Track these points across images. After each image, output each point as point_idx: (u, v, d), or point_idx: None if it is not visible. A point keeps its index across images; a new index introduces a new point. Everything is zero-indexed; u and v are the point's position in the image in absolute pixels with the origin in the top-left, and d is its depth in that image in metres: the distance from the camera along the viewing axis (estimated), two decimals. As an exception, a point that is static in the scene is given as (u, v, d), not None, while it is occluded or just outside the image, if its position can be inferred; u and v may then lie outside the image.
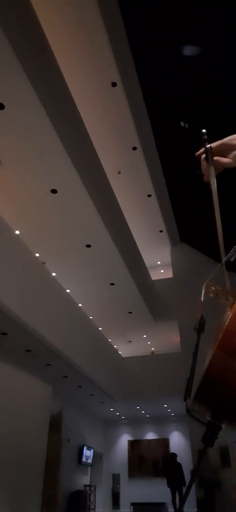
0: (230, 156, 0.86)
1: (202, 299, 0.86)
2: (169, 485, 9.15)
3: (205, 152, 0.86)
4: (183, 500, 0.81)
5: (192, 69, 6.31)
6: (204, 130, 0.86)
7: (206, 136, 0.86)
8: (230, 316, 0.72)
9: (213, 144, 0.87)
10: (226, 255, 0.86)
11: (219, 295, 0.84)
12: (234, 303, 0.76)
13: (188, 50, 6.08)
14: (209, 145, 0.85)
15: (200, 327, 0.81)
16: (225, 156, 0.86)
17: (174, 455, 10.13)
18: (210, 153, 0.85)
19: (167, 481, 9.36)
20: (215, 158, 0.86)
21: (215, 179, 0.85)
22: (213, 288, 0.86)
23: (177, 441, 13.42)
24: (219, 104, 6.37)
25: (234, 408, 0.68)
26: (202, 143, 0.86)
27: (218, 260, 0.94)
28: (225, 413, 0.70)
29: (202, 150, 0.86)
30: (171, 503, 9.12)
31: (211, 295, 0.86)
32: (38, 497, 7.84)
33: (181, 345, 11.10)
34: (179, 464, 9.70)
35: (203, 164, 0.87)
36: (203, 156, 0.87)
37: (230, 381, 0.67)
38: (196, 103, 7.01)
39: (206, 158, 0.86)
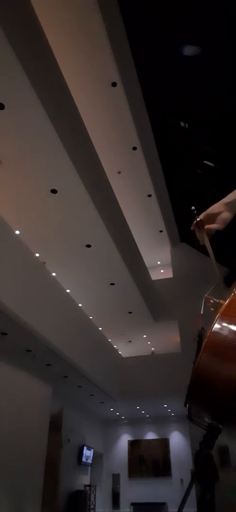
0: (217, 221, 1.07)
1: (201, 312, 0.93)
2: (199, 482, 7.57)
3: (197, 225, 1.05)
4: (183, 500, 0.81)
5: (192, 69, 6.31)
6: (193, 207, 1.06)
7: (195, 211, 1.06)
8: (215, 320, 0.76)
9: (201, 216, 1.07)
10: (223, 262, 0.94)
11: (218, 308, 0.87)
12: (219, 310, 0.80)
13: (188, 50, 6.08)
14: (199, 218, 1.05)
15: (200, 339, 0.84)
16: (212, 222, 1.07)
17: None
18: (201, 224, 1.05)
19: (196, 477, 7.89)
20: (206, 226, 1.05)
21: (209, 242, 1.04)
22: (212, 301, 0.91)
23: (177, 441, 13.42)
24: (219, 104, 6.37)
25: (223, 406, 0.70)
26: (193, 218, 1.06)
27: (218, 260, 0.98)
28: (219, 412, 0.72)
29: (194, 223, 1.06)
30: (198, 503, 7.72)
31: (211, 309, 0.90)
32: (38, 497, 7.84)
33: (181, 345, 11.11)
34: (210, 456, 8.01)
35: (197, 233, 1.07)
36: (196, 227, 1.07)
37: (216, 381, 0.70)
38: (196, 103, 7.02)
39: (199, 229, 1.05)
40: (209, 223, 1.07)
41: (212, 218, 1.07)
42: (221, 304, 0.85)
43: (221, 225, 1.06)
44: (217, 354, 0.72)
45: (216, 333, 0.74)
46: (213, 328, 0.74)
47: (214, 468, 7.69)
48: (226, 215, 1.07)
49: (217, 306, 0.90)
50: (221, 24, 5.15)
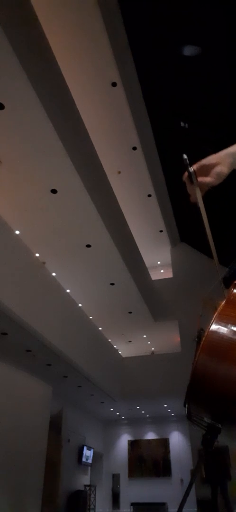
0: (211, 174, 0.93)
1: (200, 313, 0.91)
2: (207, 480, 6.95)
3: (189, 175, 0.90)
4: (183, 500, 0.81)
5: (192, 69, 6.31)
6: (185, 156, 0.91)
7: (188, 161, 0.91)
8: (212, 320, 0.76)
9: (194, 166, 0.92)
10: (223, 261, 0.91)
11: (217, 308, 0.87)
12: (217, 310, 0.80)
13: (188, 50, 6.08)
14: (192, 169, 0.90)
15: (199, 339, 0.84)
16: (206, 176, 0.92)
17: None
18: (194, 175, 0.90)
19: (205, 474, 7.12)
20: (199, 178, 0.92)
21: (201, 199, 0.90)
22: (210, 302, 0.90)
23: (177, 441, 13.43)
24: (219, 104, 6.38)
25: (222, 406, 0.70)
26: (184, 168, 0.91)
27: (218, 261, 0.97)
28: (216, 411, 0.72)
29: (186, 174, 0.91)
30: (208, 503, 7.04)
31: (210, 309, 0.90)
32: (38, 497, 7.84)
33: (181, 345, 11.11)
34: (222, 452, 7.18)
35: (189, 186, 0.93)
36: (188, 179, 0.92)
37: (214, 380, 0.70)
38: (196, 103, 7.02)
39: (191, 180, 0.91)
40: (203, 176, 0.93)
41: (206, 170, 0.93)
42: (220, 305, 0.85)
43: (215, 179, 0.93)
44: (215, 353, 0.72)
45: (214, 332, 0.74)
46: (211, 328, 0.75)
47: (226, 466, 6.93)
48: (222, 169, 0.93)
49: (216, 306, 0.90)
50: (221, 24, 5.15)
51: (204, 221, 0.90)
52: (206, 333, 0.75)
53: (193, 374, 0.72)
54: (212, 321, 0.76)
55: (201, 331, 0.85)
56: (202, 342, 0.74)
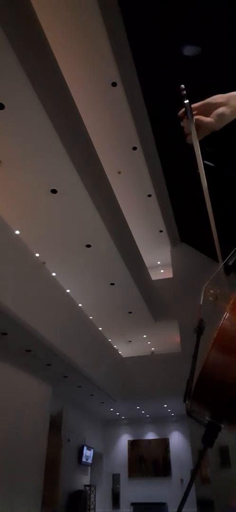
0: (212, 115, 0.82)
1: (201, 302, 0.87)
2: None
3: (185, 108, 0.79)
4: (182, 500, 0.81)
5: (192, 68, 6.31)
6: (182, 86, 0.79)
7: (185, 92, 0.78)
8: (224, 316, 0.72)
9: (196, 104, 0.82)
10: (222, 257, 0.89)
11: (218, 298, 0.85)
12: (229, 304, 0.76)
13: (188, 50, 6.08)
14: (187, 101, 0.78)
15: (200, 330, 0.81)
16: (207, 116, 0.82)
17: None
18: (189, 109, 0.78)
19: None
20: (196, 116, 0.81)
21: (197, 141, 0.80)
22: (212, 291, 0.88)
23: (177, 441, 13.42)
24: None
25: (230, 406, 0.69)
26: (182, 101, 0.79)
27: (218, 260, 0.95)
28: (223, 412, 0.71)
29: (183, 110, 0.80)
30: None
31: (211, 298, 0.87)
32: (38, 497, 7.83)
33: (181, 345, 11.11)
34: None
35: (185, 123, 0.82)
36: (184, 114, 0.81)
37: (225, 379, 0.68)
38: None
39: (186, 115, 0.79)
40: (204, 115, 0.81)
41: (209, 110, 0.82)
42: (221, 294, 0.83)
43: (215, 121, 0.81)
44: (228, 350, 0.69)
45: (227, 328, 0.70)
46: (223, 324, 0.71)
47: None
48: (224, 110, 0.81)
49: (217, 296, 0.87)
50: (221, 24, 5.15)
51: (199, 167, 0.80)
52: (217, 330, 0.71)
53: (201, 372, 0.69)
54: (223, 317, 0.72)
55: (202, 322, 0.83)
56: (213, 339, 0.70)
